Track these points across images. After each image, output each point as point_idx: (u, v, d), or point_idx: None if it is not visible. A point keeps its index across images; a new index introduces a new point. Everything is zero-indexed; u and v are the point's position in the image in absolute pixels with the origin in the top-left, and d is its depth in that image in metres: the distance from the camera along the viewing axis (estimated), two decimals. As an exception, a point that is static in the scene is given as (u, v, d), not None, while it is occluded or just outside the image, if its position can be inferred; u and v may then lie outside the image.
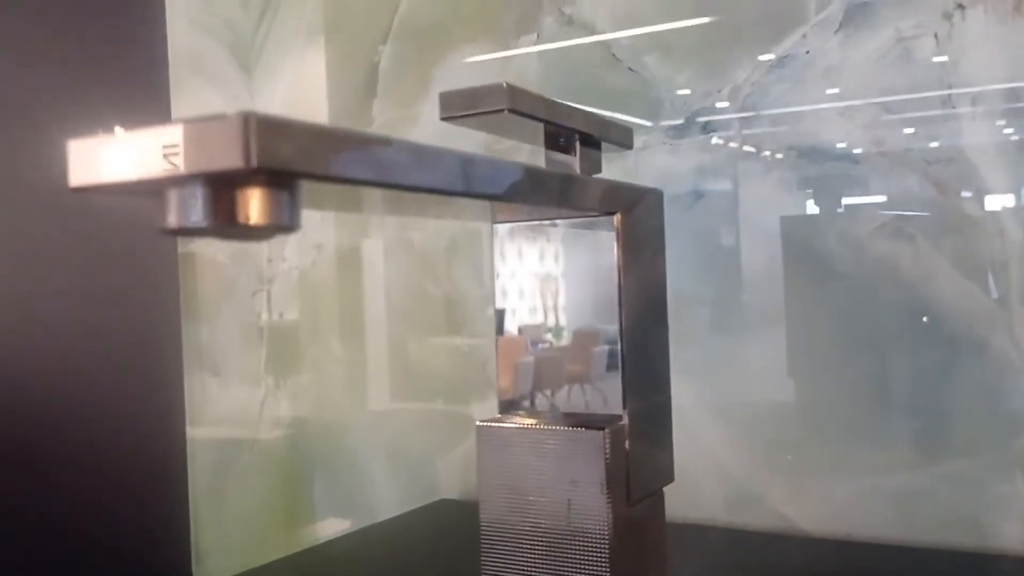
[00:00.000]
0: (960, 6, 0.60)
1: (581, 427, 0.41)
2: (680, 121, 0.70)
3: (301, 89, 0.89)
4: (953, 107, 0.60)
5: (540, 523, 0.41)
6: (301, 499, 0.91)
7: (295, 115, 0.24)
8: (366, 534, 0.74)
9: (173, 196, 0.25)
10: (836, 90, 0.64)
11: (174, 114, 0.99)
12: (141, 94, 0.96)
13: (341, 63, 0.87)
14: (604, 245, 0.44)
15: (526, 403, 0.45)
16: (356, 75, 0.85)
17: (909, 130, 0.62)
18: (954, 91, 0.60)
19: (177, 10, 0.97)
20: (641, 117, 0.71)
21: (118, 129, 0.25)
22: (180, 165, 0.23)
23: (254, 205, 0.24)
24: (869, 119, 0.63)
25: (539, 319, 0.45)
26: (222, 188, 0.24)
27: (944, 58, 0.60)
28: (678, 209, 0.69)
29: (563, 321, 0.45)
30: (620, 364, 0.42)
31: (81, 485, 0.88)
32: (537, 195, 0.34)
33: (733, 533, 0.67)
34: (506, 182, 0.32)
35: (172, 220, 0.25)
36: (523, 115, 0.38)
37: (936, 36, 0.60)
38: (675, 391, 0.46)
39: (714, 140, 0.69)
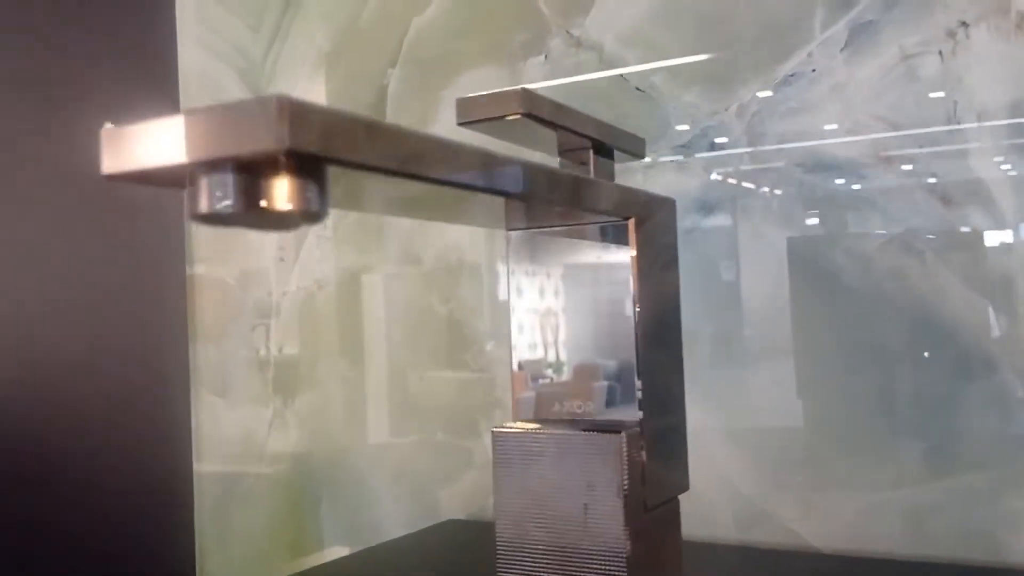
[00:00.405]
0: (964, 24, 0.61)
1: (597, 431, 0.41)
2: (687, 139, 0.70)
3: (310, 112, 0.90)
4: (959, 122, 0.61)
5: (556, 529, 0.41)
6: (307, 521, 0.91)
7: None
8: (372, 553, 0.74)
9: (204, 182, 0.25)
10: (842, 107, 0.65)
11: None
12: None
13: (350, 86, 0.89)
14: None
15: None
16: (365, 98, 0.86)
17: (915, 146, 0.62)
18: (959, 107, 0.61)
19: (188, 35, 0.99)
20: (648, 136, 0.72)
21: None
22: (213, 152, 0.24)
23: (283, 190, 0.25)
24: (875, 135, 0.64)
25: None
26: (252, 173, 0.25)
27: (949, 75, 0.61)
28: (683, 227, 0.70)
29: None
30: (635, 369, 0.42)
31: (86, 507, 0.88)
32: (553, 194, 0.35)
33: (744, 550, 0.67)
34: (524, 180, 0.33)
35: (203, 205, 0.25)
36: (539, 120, 0.39)
37: (940, 53, 0.61)
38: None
39: (721, 156, 0.69)
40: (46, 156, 0.87)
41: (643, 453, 0.41)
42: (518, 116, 0.38)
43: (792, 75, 0.66)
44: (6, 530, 0.81)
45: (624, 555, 0.40)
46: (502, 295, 0.80)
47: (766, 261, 0.69)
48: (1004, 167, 0.60)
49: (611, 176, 0.46)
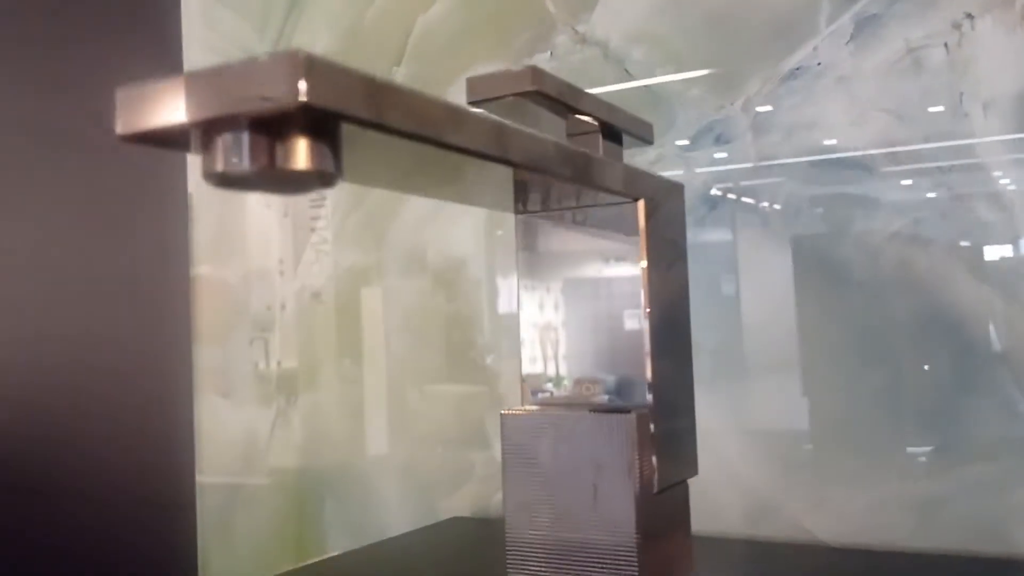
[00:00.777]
0: (969, 16, 0.61)
1: (607, 411, 0.40)
2: (692, 134, 0.71)
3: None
4: (965, 114, 0.61)
5: (565, 510, 0.41)
6: (310, 523, 0.90)
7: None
8: (376, 549, 0.74)
9: (219, 141, 0.25)
10: (848, 100, 0.65)
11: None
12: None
13: (356, 85, 0.88)
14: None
15: (549, 388, 0.45)
16: (370, 97, 0.86)
17: (921, 138, 0.63)
18: (965, 98, 0.61)
19: (193, 38, 0.99)
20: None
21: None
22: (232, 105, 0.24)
23: (299, 150, 0.25)
24: (882, 127, 0.64)
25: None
26: (267, 132, 0.25)
27: (955, 66, 0.61)
28: (692, 220, 0.70)
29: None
30: (647, 350, 0.42)
31: (88, 508, 0.87)
32: (564, 169, 0.35)
33: (752, 545, 0.66)
34: (535, 151, 0.33)
35: (218, 164, 0.25)
36: (549, 98, 0.39)
37: (946, 45, 0.61)
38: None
39: (726, 152, 0.69)
40: (49, 158, 0.87)
41: (652, 435, 0.41)
42: (529, 94, 0.38)
43: (798, 69, 0.66)
44: (9, 533, 0.81)
45: (634, 537, 0.39)
46: (502, 307, 0.80)
47: (772, 257, 0.69)
48: (1011, 157, 0.60)
49: (619, 161, 0.46)
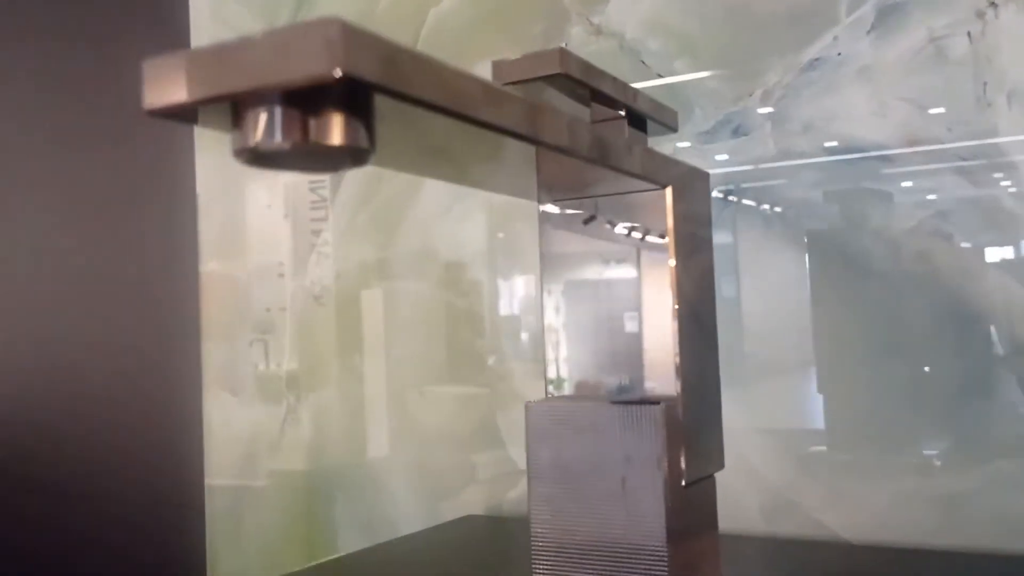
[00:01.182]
0: (993, 4, 0.60)
1: (635, 403, 0.40)
2: (710, 125, 0.70)
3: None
4: (989, 104, 0.60)
5: (593, 503, 0.40)
6: (319, 522, 0.89)
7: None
8: (391, 548, 0.73)
9: (250, 115, 0.24)
10: (869, 90, 0.64)
11: (198, 144, 0.99)
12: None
13: (366, 79, 0.88)
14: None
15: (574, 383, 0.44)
16: (381, 90, 0.86)
17: (944, 128, 0.62)
18: (989, 88, 0.60)
19: (202, 31, 0.98)
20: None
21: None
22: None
23: (332, 124, 0.24)
24: (903, 117, 0.63)
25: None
26: (300, 105, 0.24)
27: (978, 55, 0.60)
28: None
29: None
30: (676, 341, 0.41)
31: (95, 505, 0.86)
32: (593, 151, 0.34)
33: (771, 542, 0.65)
34: (565, 131, 0.32)
35: (250, 140, 0.24)
36: (576, 81, 0.38)
37: (969, 34, 0.61)
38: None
39: (744, 144, 0.69)
40: (56, 154, 0.87)
41: (681, 427, 0.40)
42: (556, 76, 0.37)
43: (817, 59, 0.65)
44: (17, 534, 0.80)
45: (664, 531, 0.38)
46: (510, 308, 0.80)
47: (787, 252, 0.68)
48: (1035, 149, 0.59)
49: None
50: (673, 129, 0.47)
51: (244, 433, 0.94)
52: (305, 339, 0.91)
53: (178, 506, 0.95)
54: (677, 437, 0.40)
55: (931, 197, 0.62)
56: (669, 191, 0.41)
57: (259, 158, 0.25)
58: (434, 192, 0.83)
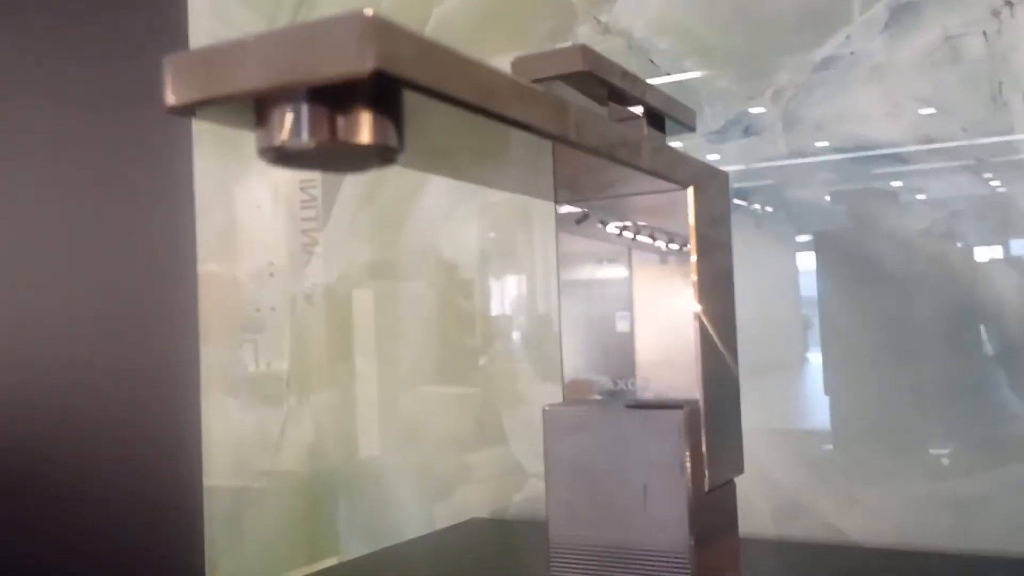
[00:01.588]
0: (1009, 3, 0.59)
1: (657, 408, 0.39)
2: (720, 126, 0.69)
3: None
4: (1004, 104, 0.59)
5: (614, 511, 0.39)
6: (321, 525, 0.88)
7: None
8: (395, 552, 0.72)
9: (276, 112, 0.23)
10: (882, 90, 0.63)
11: (195, 145, 0.98)
12: (163, 118, 0.95)
13: (369, 77, 0.87)
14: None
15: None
16: (385, 89, 0.85)
17: (959, 128, 0.61)
18: (1005, 87, 0.59)
19: (200, 28, 0.97)
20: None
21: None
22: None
23: (361, 122, 0.23)
24: (917, 118, 0.62)
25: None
26: (328, 102, 0.23)
27: (994, 55, 0.60)
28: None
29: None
30: (697, 344, 0.40)
31: (94, 508, 0.85)
32: (621, 151, 0.33)
33: (782, 545, 0.65)
34: (595, 130, 0.31)
35: (275, 138, 0.23)
36: (598, 79, 0.37)
37: (985, 33, 0.60)
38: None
39: (755, 144, 0.68)
40: (54, 155, 0.85)
41: (703, 431, 0.39)
42: (579, 75, 0.36)
43: (830, 58, 0.65)
44: (15, 536, 0.79)
45: (687, 539, 0.38)
46: (513, 308, 0.79)
47: (797, 253, 0.67)
48: (1051, 149, 0.59)
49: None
50: (691, 128, 0.46)
51: (242, 435, 0.93)
52: (302, 340, 0.90)
53: (176, 508, 0.94)
54: (699, 442, 0.39)
55: (944, 197, 0.62)
56: (691, 191, 0.40)
57: (284, 157, 0.24)
58: (435, 193, 0.82)
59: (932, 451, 0.62)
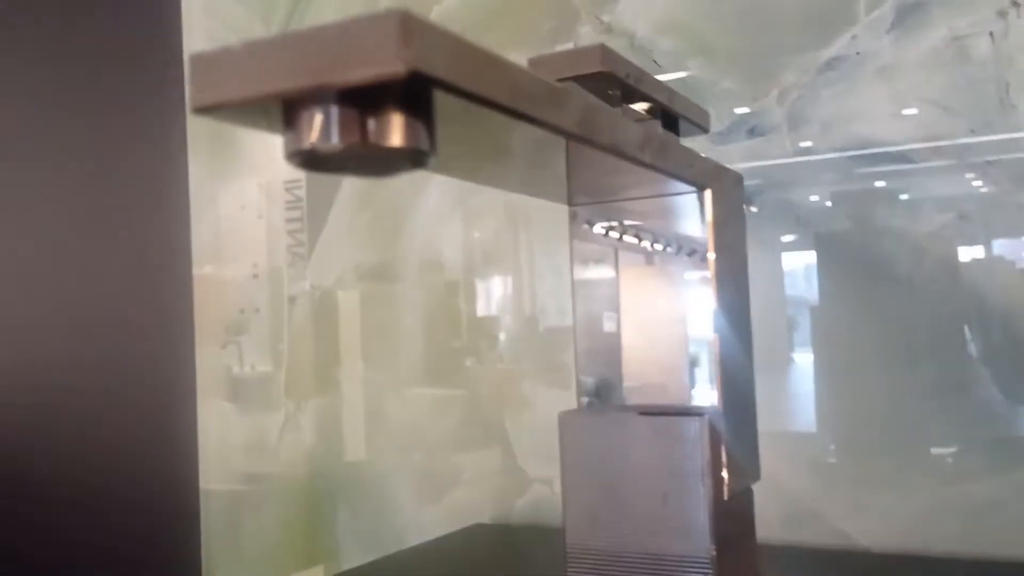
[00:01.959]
0: (1016, 4, 0.59)
1: (677, 415, 0.38)
2: (725, 127, 0.68)
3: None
4: (1012, 105, 0.59)
5: (633, 520, 0.38)
6: (321, 530, 0.87)
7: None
8: (398, 559, 0.71)
9: (306, 115, 0.22)
10: (889, 90, 0.63)
11: (190, 146, 0.97)
12: (157, 118, 0.94)
13: (367, 78, 0.86)
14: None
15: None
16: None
17: (966, 128, 0.61)
18: (1012, 88, 0.59)
19: (194, 26, 0.96)
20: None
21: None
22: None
23: (393, 124, 0.22)
24: (924, 119, 0.62)
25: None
26: (359, 104, 0.22)
27: (1000, 56, 0.59)
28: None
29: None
30: (716, 351, 0.39)
31: (90, 511, 0.84)
32: (644, 151, 0.32)
33: (791, 550, 0.64)
34: (622, 132, 0.30)
35: (305, 141, 0.22)
36: (616, 80, 0.37)
37: (991, 34, 0.60)
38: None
39: (761, 145, 0.67)
40: (48, 156, 0.84)
41: (722, 438, 0.39)
42: (598, 75, 0.36)
43: (835, 59, 0.64)
44: (11, 542, 0.77)
45: (710, 547, 0.37)
46: (514, 309, 0.78)
47: (807, 255, 0.67)
48: (1059, 150, 0.58)
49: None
50: (704, 130, 0.45)
51: (240, 438, 0.92)
52: (298, 342, 0.89)
53: (172, 512, 0.93)
54: (719, 449, 0.38)
55: (952, 198, 0.61)
56: (708, 193, 0.40)
57: (313, 161, 0.23)
58: (436, 194, 0.82)
59: (935, 451, 0.61)
